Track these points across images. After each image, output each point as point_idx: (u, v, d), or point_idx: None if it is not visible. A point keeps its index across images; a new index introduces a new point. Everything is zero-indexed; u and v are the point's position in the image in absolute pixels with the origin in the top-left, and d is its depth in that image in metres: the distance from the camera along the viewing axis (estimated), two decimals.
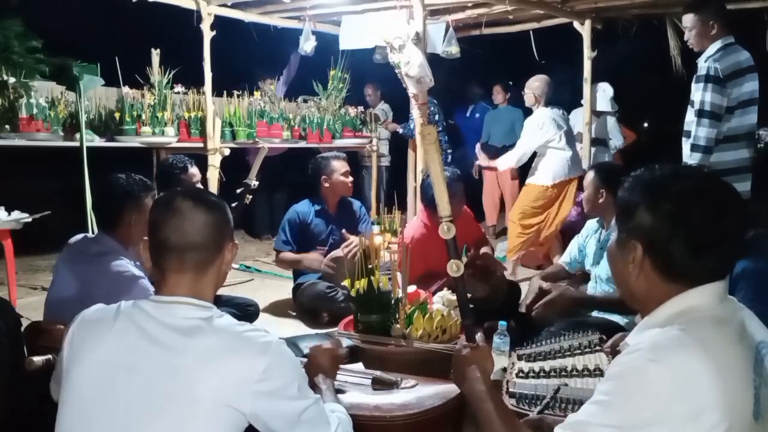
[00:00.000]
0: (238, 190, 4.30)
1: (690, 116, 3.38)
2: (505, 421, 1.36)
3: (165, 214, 1.39)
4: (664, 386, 1.06)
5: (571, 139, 5.16)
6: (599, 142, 5.94)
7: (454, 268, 1.54)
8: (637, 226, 1.21)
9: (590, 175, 3.16)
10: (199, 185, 3.75)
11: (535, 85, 5.07)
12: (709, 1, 3.32)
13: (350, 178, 4.15)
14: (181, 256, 1.38)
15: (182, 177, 3.62)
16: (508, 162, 5.29)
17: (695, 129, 3.25)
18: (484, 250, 3.75)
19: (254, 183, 4.36)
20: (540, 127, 4.93)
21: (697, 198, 1.17)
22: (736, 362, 1.09)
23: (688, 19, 3.35)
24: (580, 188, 5.21)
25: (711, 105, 3.19)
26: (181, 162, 3.71)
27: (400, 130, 6.53)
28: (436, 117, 6.12)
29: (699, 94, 3.23)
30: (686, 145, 3.38)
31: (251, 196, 4.35)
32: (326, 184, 4.09)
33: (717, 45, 3.26)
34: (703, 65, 3.26)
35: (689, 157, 3.29)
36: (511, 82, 6.90)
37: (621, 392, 1.10)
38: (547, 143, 4.93)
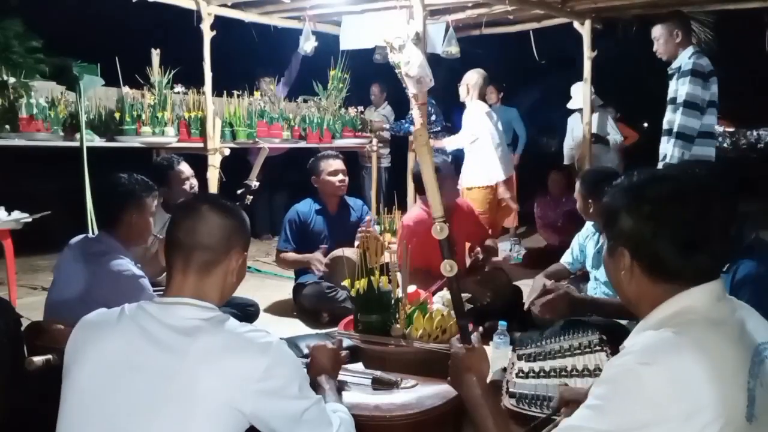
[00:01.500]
0: (239, 191, 4.29)
1: (669, 115, 3.62)
2: (500, 426, 1.36)
3: (181, 215, 1.45)
4: (657, 388, 1.06)
5: (502, 137, 5.20)
6: (599, 139, 5.94)
7: (448, 268, 1.53)
8: (621, 232, 1.23)
9: (577, 186, 3.13)
10: (190, 181, 3.72)
11: (472, 77, 5.09)
12: (674, 14, 3.78)
13: (339, 177, 4.08)
14: (187, 255, 1.41)
15: (170, 174, 3.61)
16: (451, 144, 5.36)
17: (680, 119, 3.49)
18: (493, 254, 3.77)
19: (255, 183, 4.36)
20: (479, 118, 4.96)
21: (677, 197, 1.18)
22: (731, 363, 1.09)
23: (656, 30, 3.72)
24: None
25: (695, 98, 3.47)
26: (167, 160, 3.72)
27: (386, 126, 6.53)
28: (433, 117, 6.14)
29: (684, 87, 3.50)
30: (668, 144, 3.59)
31: (252, 197, 4.35)
32: (316, 184, 4.11)
33: (688, 52, 3.59)
34: (687, 61, 3.54)
35: (673, 146, 3.52)
36: (504, 84, 6.94)
37: (614, 396, 1.10)
38: (481, 138, 4.96)
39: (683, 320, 1.15)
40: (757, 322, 1.21)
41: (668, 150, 3.55)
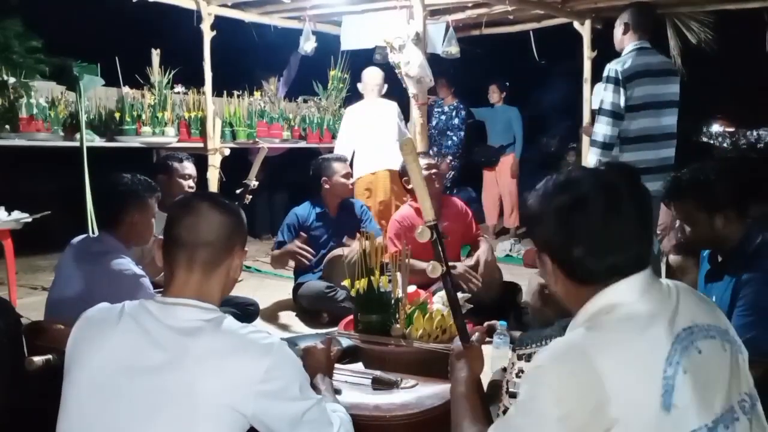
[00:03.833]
0: (238, 191, 4.30)
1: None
2: (472, 422, 1.36)
3: (181, 212, 1.42)
4: (564, 387, 1.09)
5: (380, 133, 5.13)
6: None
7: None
8: (539, 240, 1.28)
9: None
10: (189, 182, 3.65)
11: (364, 76, 5.03)
12: (626, 6, 3.63)
13: (351, 180, 4.17)
14: (191, 253, 1.39)
15: (173, 165, 3.56)
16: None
17: (596, 126, 3.46)
18: (482, 253, 3.69)
19: (253, 183, 4.36)
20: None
21: (579, 204, 1.19)
22: (639, 357, 1.10)
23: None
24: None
25: (611, 104, 3.38)
26: (177, 153, 3.71)
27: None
28: (456, 121, 6.27)
29: (601, 93, 3.47)
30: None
31: (250, 196, 4.35)
32: (326, 186, 4.08)
33: (629, 48, 3.49)
34: (608, 66, 3.47)
35: (591, 152, 3.48)
36: (507, 83, 6.94)
37: (526, 393, 1.15)
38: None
39: (597, 321, 1.17)
40: (696, 307, 1.20)
41: (588, 156, 3.55)
